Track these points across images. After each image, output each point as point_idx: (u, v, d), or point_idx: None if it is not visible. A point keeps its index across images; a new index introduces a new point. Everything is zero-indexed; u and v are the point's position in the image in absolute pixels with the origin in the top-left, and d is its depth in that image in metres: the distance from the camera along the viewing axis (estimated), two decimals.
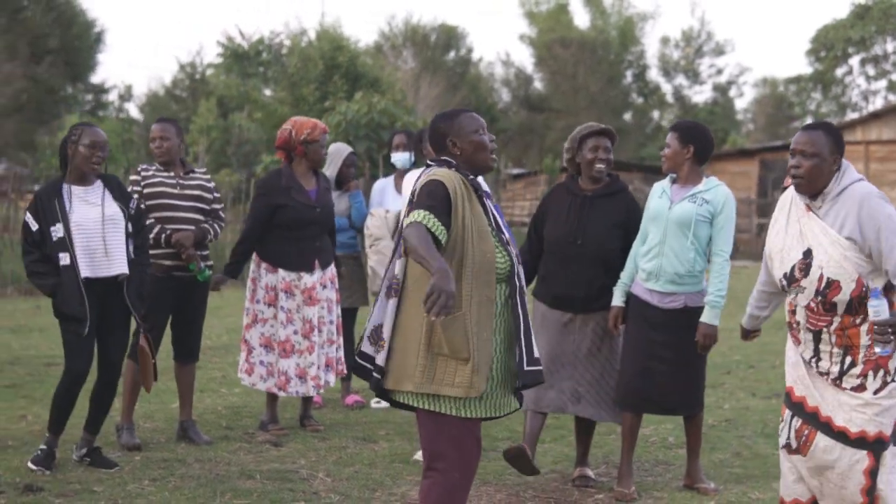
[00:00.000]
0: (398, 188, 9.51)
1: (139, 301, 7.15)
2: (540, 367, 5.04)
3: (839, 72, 69.55)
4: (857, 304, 5.22)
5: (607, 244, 6.99)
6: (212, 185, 8.22)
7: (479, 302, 4.85)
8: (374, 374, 4.90)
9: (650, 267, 6.74)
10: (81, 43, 39.66)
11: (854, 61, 69.15)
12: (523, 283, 5.08)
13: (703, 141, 6.81)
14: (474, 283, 4.85)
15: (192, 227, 7.88)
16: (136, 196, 7.67)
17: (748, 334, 6.05)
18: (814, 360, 5.40)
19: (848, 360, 5.30)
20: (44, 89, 37.57)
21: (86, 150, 7.04)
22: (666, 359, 6.72)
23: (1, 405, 9.16)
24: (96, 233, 6.97)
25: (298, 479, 6.93)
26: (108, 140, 7.27)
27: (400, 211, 8.93)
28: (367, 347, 4.96)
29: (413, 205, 4.91)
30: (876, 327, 5.05)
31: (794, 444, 5.47)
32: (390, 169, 22.98)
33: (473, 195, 5.02)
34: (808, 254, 5.31)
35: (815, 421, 5.38)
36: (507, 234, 5.07)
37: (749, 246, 39.32)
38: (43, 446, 7.07)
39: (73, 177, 7.10)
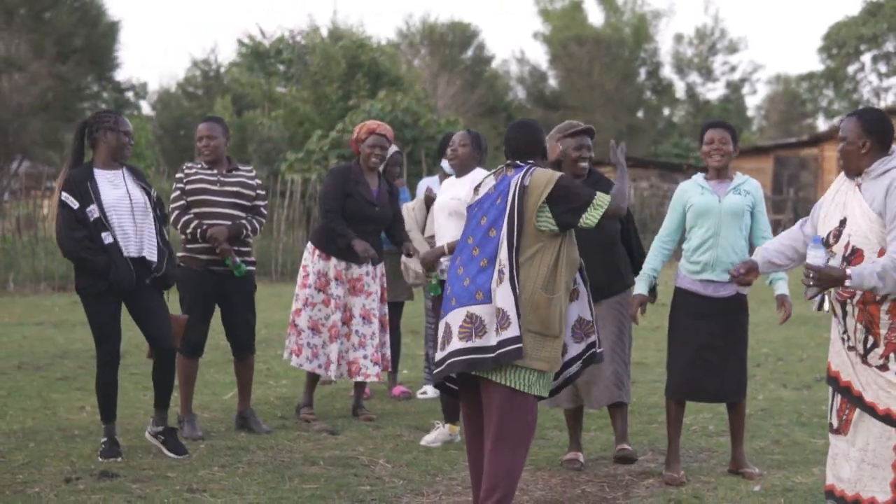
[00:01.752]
0: None
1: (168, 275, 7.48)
2: (602, 350, 6.04)
3: (851, 69, 69.60)
4: None
5: (611, 227, 7.30)
6: (255, 182, 8.45)
7: (565, 289, 5.59)
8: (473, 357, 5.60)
9: (706, 258, 7.03)
10: (106, 41, 40.06)
11: (866, 58, 69.18)
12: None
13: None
14: (566, 272, 5.62)
15: (228, 223, 8.13)
16: (177, 192, 8.04)
17: (747, 275, 6.21)
18: (845, 335, 5.74)
19: (870, 339, 5.62)
20: (70, 88, 37.97)
21: (125, 138, 7.38)
22: (717, 347, 7.01)
23: (58, 397, 9.45)
24: (126, 214, 7.25)
25: (360, 466, 7.22)
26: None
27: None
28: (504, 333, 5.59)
29: (575, 206, 5.67)
30: (805, 268, 5.51)
31: (835, 424, 5.82)
32: (417, 167, 23.04)
33: None
34: (843, 223, 5.69)
35: (849, 395, 5.71)
36: None
37: None
38: (104, 438, 7.34)
39: (100, 161, 7.38)
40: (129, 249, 7.23)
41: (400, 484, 6.80)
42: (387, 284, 9.58)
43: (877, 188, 5.60)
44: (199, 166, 8.30)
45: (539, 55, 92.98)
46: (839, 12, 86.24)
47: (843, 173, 5.93)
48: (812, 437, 8.35)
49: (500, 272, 5.55)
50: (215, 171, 8.25)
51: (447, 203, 8.13)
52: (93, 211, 7.16)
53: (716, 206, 7.04)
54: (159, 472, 6.92)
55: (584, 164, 7.38)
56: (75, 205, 7.17)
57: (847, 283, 5.42)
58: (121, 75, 49.41)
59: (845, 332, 5.74)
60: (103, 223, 7.16)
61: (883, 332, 5.58)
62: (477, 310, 5.57)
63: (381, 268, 8.89)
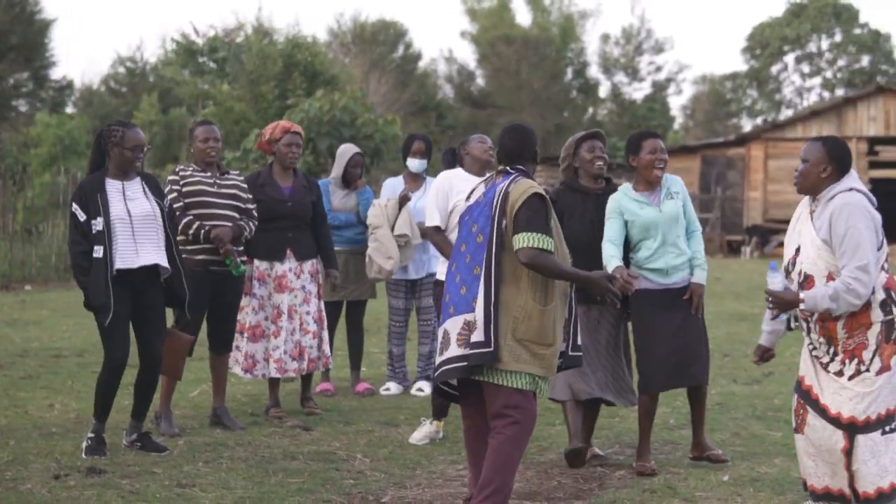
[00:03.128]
0: (409, 189, 9.92)
1: (184, 293, 7.59)
2: (581, 353, 6.07)
3: (774, 69, 70.72)
4: None
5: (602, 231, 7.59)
6: (245, 185, 8.66)
7: (561, 296, 5.77)
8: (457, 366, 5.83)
9: (659, 265, 7.33)
10: (40, 39, 39.79)
11: (789, 59, 70.37)
12: None
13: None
14: (559, 281, 5.77)
15: (230, 224, 8.30)
16: (174, 194, 8.15)
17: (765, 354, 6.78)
18: (811, 348, 6.13)
19: (831, 349, 6.01)
20: (4, 87, 37.63)
21: (130, 154, 7.44)
22: (684, 333, 7.34)
23: (24, 395, 9.50)
24: (131, 225, 7.36)
25: (339, 460, 7.39)
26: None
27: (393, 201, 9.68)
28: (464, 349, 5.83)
29: (521, 223, 5.70)
30: (765, 294, 6.03)
31: (794, 423, 6.24)
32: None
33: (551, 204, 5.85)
34: (798, 251, 6.11)
35: (807, 398, 6.12)
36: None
37: None
38: (91, 434, 7.43)
39: (112, 172, 7.49)
40: (131, 261, 7.34)
41: (382, 477, 6.99)
42: (349, 283, 9.81)
43: (824, 214, 5.96)
44: (193, 168, 8.44)
45: (467, 54, 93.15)
46: (763, 13, 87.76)
47: (801, 204, 6.26)
48: (769, 429, 8.65)
49: (484, 278, 5.75)
50: (209, 174, 8.41)
51: None
52: (97, 224, 7.29)
53: (658, 216, 7.33)
54: (144, 468, 7.04)
55: (601, 164, 7.61)
56: (82, 217, 7.32)
57: (801, 306, 5.87)
58: (57, 73, 49.17)
59: (811, 343, 6.12)
60: (102, 237, 7.27)
61: (840, 344, 5.97)
62: (472, 317, 5.76)
63: (312, 264, 9.01)
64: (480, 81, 63.26)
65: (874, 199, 6.05)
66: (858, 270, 5.76)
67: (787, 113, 68.36)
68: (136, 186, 7.51)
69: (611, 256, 7.34)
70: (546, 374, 5.77)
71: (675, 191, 7.44)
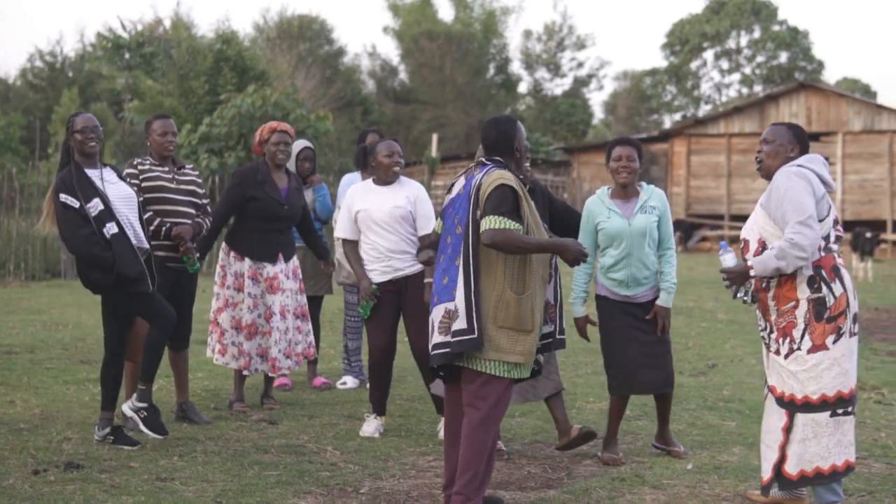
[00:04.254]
0: None
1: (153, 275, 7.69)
2: (564, 337, 6.30)
3: (693, 65, 71.58)
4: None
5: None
6: (201, 180, 8.73)
7: (539, 282, 5.91)
8: (440, 352, 6.02)
9: (620, 276, 7.49)
10: None
11: (708, 55, 71.27)
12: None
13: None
14: (537, 267, 5.92)
15: (189, 221, 8.35)
16: (133, 189, 8.18)
17: None
18: (760, 328, 6.41)
19: (766, 325, 6.26)
20: None
21: (80, 136, 7.49)
22: (650, 341, 7.51)
23: None
24: (126, 208, 7.50)
25: (310, 453, 7.50)
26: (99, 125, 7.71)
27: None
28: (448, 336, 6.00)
29: (488, 209, 5.83)
30: (721, 272, 6.25)
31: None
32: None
33: (527, 192, 5.98)
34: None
35: (766, 383, 6.34)
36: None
37: None
38: (107, 427, 7.61)
39: (83, 162, 7.52)
40: (138, 241, 7.49)
41: (356, 469, 7.11)
42: (308, 279, 9.92)
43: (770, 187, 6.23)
44: (150, 162, 8.45)
45: (390, 49, 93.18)
46: (683, 10, 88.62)
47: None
48: (723, 420, 8.88)
49: (463, 267, 5.93)
50: (167, 169, 8.44)
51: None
52: (95, 205, 7.32)
53: (626, 229, 7.45)
54: (121, 462, 7.11)
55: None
56: (76, 204, 7.32)
57: (752, 272, 6.08)
58: None
59: (759, 324, 6.38)
60: (107, 214, 7.33)
61: (773, 317, 6.20)
62: (453, 305, 5.92)
63: (294, 262, 9.14)
64: (404, 77, 63.35)
65: (827, 176, 6.26)
66: (799, 225, 5.92)
67: (705, 109, 69.32)
68: (109, 173, 7.60)
69: (577, 298, 7.66)
70: (524, 360, 5.91)
71: (653, 205, 7.52)
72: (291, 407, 9.13)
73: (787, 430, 6.10)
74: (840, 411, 6.07)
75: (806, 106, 39.58)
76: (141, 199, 8.14)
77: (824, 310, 6.05)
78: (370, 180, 8.44)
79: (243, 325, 8.87)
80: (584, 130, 63.60)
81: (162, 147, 8.44)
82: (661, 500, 6.54)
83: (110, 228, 7.32)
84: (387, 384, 8.31)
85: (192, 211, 8.45)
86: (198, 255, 8.43)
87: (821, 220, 6.07)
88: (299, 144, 10.30)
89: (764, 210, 6.18)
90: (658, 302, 7.53)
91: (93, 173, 7.49)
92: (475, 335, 5.81)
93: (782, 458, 6.11)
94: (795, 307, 6.08)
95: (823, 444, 6.04)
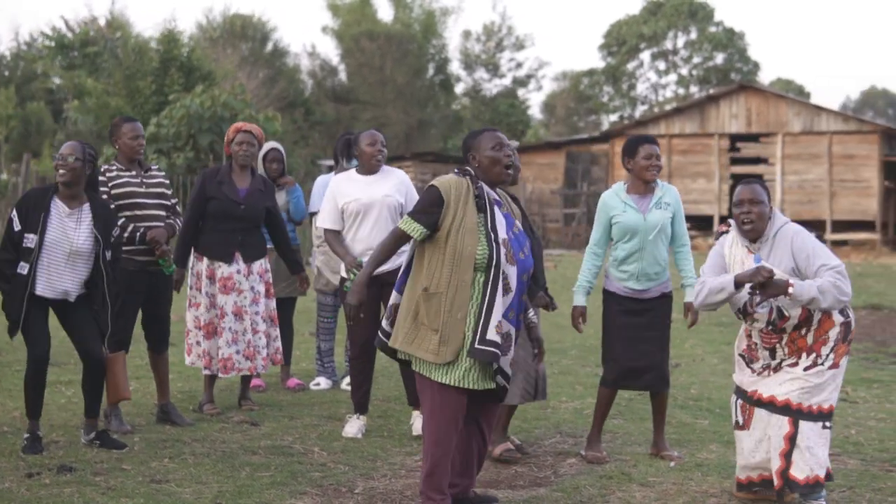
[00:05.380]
0: None
1: (106, 328, 7.68)
2: (489, 349, 5.98)
3: (630, 66, 72.08)
4: (804, 322, 6.35)
5: None
6: (168, 182, 8.78)
7: (456, 286, 5.97)
8: (381, 336, 6.27)
9: (632, 269, 7.63)
10: None
11: (645, 56, 71.80)
12: (505, 273, 6.04)
13: None
14: (453, 270, 5.98)
15: (161, 224, 8.36)
16: (104, 197, 8.14)
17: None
18: (764, 368, 6.54)
19: (791, 356, 6.42)
20: None
21: (58, 160, 7.53)
22: (649, 339, 7.64)
23: None
24: (60, 257, 7.43)
25: (298, 454, 7.57)
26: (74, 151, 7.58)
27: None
28: (388, 326, 6.27)
29: (415, 207, 6.20)
30: (757, 280, 6.24)
31: (741, 421, 6.63)
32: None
33: (472, 199, 6.08)
34: (753, 291, 6.34)
35: (749, 399, 6.54)
36: (503, 234, 6.07)
37: (559, 235, 40.83)
38: (27, 434, 7.51)
39: (61, 193, 7.54)
40: (51, 290, 7.45)
41: (346, 470, 7.19)
42: (281, 281, 9.96)
43: (779, 251, 6.37)
44: (117, 167, 8.44)
45: (330, 49, 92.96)
46: (621, 11, 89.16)
47: (725, 242, 6.65)
48: (695, 418, 9.05)
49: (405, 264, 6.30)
50: (134, 173, 8.44)
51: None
52: (28, 241, 7.34)
53: (641, 223, 7.59)
54: (112, 464, 7.14)
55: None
56: (17, 227, 7.36)
57: (790, 290, 6.16)
58: None
59: (765, 367, 6.52)
60: (30, 254, 7.32)
61: (806, 335, 6.37)
62: (397, 299, 6.29)
63: (260, 264, 9.11)
64: (343, 77, 63.24)
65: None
66: (838, 273, 6.18)
67: (641, 109, 69.87)
68: (84, 215, 7.54)
69: (581, 287, 7.78)
70: (435, 360, 5.96)
71: (668, 202, 7.68)
72: (270, 408, 9.18)
73: (791, 437, 6.28)
74: (827, 424, 6.37)
75: (746, 107, 40.04)
76: (113, 205, 8.16)
77: (849, 333, 6.39)
78: (353, 171, 8.51)
79: (202, 323, 8.94)
80: (522, 131, 63.84)
81: (132, 150, 8.44)
82: (650, 497, 6.69)
83: (22, 268, 7.35)
84: (368, 380, 8.39)
85: (163, 213, 8.46)
86: (174, 256, 8.49)
87: None
88: (267, 146, 10.32)
89: (794, 274, 6.30)
90: (686, 298, 7.72)
91: (62, 208, 7.48)
92: (388, 330, 6.21)
93: (787, 465, 6.30)
94: (831, 328, 6.33)
95: (817, 455, 6.30)
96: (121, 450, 7.53)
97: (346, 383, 10.16)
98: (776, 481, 6.36)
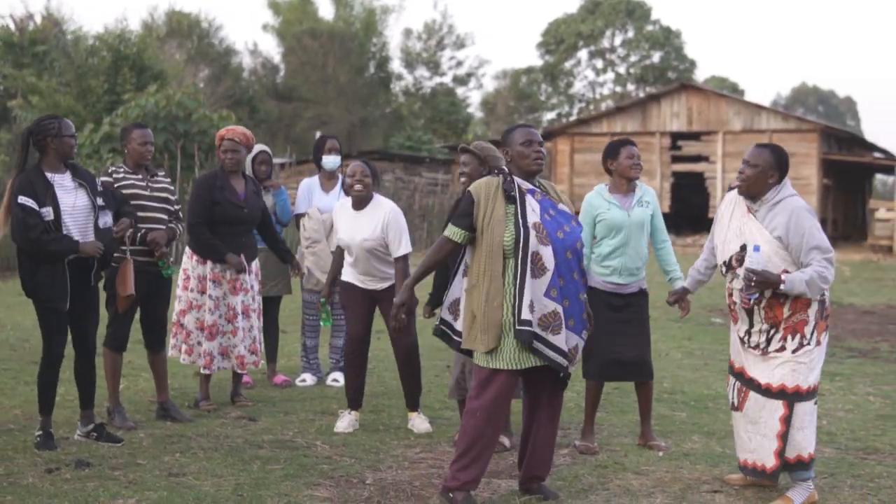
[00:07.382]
0: (325, 188, 10.45)
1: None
2: (525, 328, 6.39)
3: (568, 64, 72.64)
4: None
5: None
6: (173, 188, 9.00)
7: (490, 275, 6.40)
8: (455, 339, 6.69)
9: (616, 264, 8.00)
10: None
11: (583, 54, 72.37)
12: (537, 254, 6.41)
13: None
14: (487, 261, 6.41)
15: (163, 227, 8.62)
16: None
17: (684, 295, 7.67)
18: (747, 335, 6.85)
19: (773, 331, 6.73)
20: None
21: (70, 140, 7.73)
22: (631, 333, 7.99)
23: None
24: (76, 217, 7.66)
25: (302, 447, 7.83)
26: None
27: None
28: (447, 316, 6.68)
29: (454, 213, 6.71)
30: (747, 272, 6.56)
31: (735, 402, 6.92)
32: (189, 160, 23.39)
33: (500, 193, 6.48)
34: (743, 248, 6.74)
35: (742, 379, 6.86)
36: (534, 219, 6.44)
37: None
38: (39, 431, 7.73)
39: (48, 165, 7.71)
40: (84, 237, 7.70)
41: (353, 462, 7.47)
42: (268, 279, 10.23)
43: (776, 217, 6.65)
44: (125, 170, 8.67)
45: (271, 47, 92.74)
46: (559, 9, 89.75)
47: (726, 200, 7.01)
48: (673, 411, 9.41)
49: (463, 269, 6.67)
50: (140, 176, 8.67)
51: (361, 244, 8.56)
52: (47, 213, 7.52)
53: (626, 220, 7.99)
54: (126, 459, 7.36)
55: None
56: (36, 206, 7.51)
57: (781, 287, 6.51)
58: None
59: (748, 332, 6.82)
60: (53, 226, 7.52)
61: (783, 323, 6.68)
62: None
63: (255, 264, 9.44)
64: (285, 75, 63.23)
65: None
66: (827, 261, 6.52)
67: (579, 107, 70.44)
68: (67, 179, 7.75)
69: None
70: (483, 348, 6.41)
71: (647, 200, 8.11)
72: (263, 404, 9.42)
73: (787, 419, 6.61)
74: (816, 401, 6.73)
75: (687, 106, 40.65)
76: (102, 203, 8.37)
77: (824, 309, 6.70)
78: (349, 202, 8.68)
79: (205, 325, 9.16)
80: (463, 128, 64.20)
81: (141, 156, 8.67)
82: (647, 484, 7.03)
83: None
84: (362, 374, 8.66)
85: (165, 217, 8.69)
86: (170, 259, 8.72)
87: None
88: (255, 149, 10.54)
89: (781, 243, 6.59)
90: (677, 287, 7.96)
91: (56, 178, 7.68)
92: (450, 332, 6.71)
93: (783, 445, 6.63)
94: (808, 306, 6.62)
95: (806, 434, 6.65)
96: (117, 444, 7.76)
97: (331, 379, 10.45)
98: (773, 461, 6.65)
